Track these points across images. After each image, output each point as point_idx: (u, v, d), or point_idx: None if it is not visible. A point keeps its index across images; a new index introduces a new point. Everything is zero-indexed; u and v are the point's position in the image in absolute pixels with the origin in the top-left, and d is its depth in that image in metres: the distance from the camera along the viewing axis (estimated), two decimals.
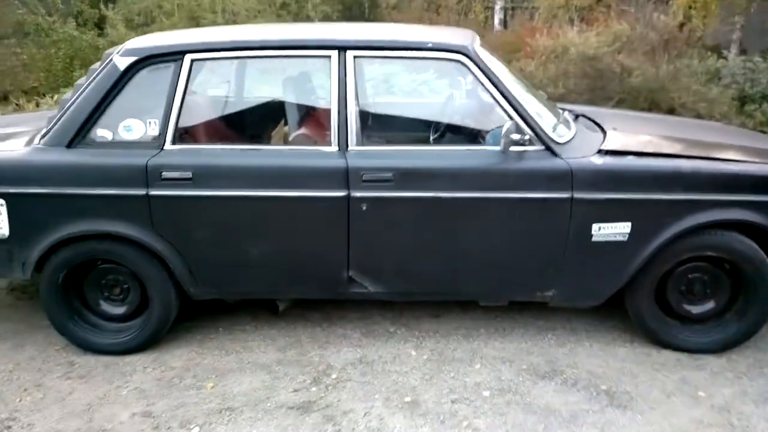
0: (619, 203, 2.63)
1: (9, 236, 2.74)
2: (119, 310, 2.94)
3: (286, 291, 2.94)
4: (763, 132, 6.33)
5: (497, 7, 13.34)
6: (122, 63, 2.68)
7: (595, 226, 2.65)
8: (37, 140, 2.76)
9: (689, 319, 2.87)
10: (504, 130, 2.50)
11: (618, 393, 2.60)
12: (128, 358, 2.90)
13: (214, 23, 11.75)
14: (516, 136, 2.54)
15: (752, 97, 7.14)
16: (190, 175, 2.64)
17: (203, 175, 2.64)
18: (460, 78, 2.74)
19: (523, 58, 8.30)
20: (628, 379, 2.69)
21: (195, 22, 12.65)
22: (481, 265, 2.78)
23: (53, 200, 2.69)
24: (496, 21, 13.35)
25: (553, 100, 7.43)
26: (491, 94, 2.64)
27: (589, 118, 3.22)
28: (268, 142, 2.80)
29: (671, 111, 6.68)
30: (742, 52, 9.46)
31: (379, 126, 2.75)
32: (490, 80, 2.64)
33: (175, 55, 2.68)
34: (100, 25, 14.29)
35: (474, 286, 2.87)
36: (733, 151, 2.88)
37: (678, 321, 2.87)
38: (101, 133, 2.72)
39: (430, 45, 2.67)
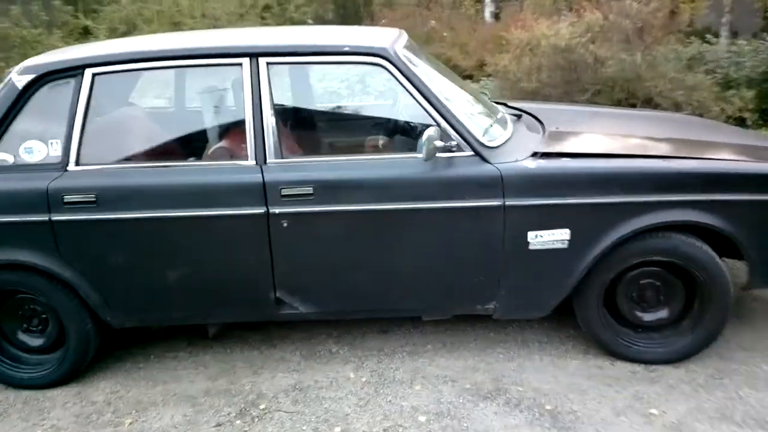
0: (556, 209, 2.44)
1: None
2: (38, 341, 2.76)
3: (212, 315, 2.76)
4: (742, 119, 6.14)
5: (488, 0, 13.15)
6: (20, 81, 2.51)
7: (531, 234, 2.47)
8: None
9: (643, 327, 2.68)
10: (425, 136, 2.31)
11: (563, 413, 2.41)
12: (50, 393, 2.73)
13: (192, 29, 11.61)
14: (439, 143, 2.35)
15: (737, 82, 6.91)
16: (94, 198, 2.46)
17: (108, 198, 2.47)
18: (381, 82, 2.55)
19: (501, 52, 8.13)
20: (576, 397, 2.50)
21: (177, 27, 12.52)
22: (415, 279, 2.60)
23: None
24: (487, 14, 13.17)
25: (528, 94, 7.29)
26: (414, 97, 2.46)
27: (535, 117, 3.03)
28: (184, 158, 2.62)
29: (648, 101, 6.46)
30: (734, 35, 9.22)
31: (299, 136, 2.57)
32: (413, 83, 2.45)
33: (74, 69, 2.51)
34: (84, 35, 14.19)
35: (411, 302, 2.68)
36: (683, 147, 2.70)
37: (631, 330, 2.69)
38: (1, 156, 2.54)
39: (346, 48, 2.49)
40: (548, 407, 2.45)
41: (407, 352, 2.88)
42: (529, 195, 2.43)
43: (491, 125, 2.62)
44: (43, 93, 2.53)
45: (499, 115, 2.80)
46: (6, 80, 2.56)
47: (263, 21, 14.18)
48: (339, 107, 2.86)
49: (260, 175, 2.44)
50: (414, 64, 2.51)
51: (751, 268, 2.55)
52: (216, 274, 2.59)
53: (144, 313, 2.69)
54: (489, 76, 8.38)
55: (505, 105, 3.30)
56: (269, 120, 2.46)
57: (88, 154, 2.53)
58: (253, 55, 2.47)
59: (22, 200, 2.48)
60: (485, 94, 3.51)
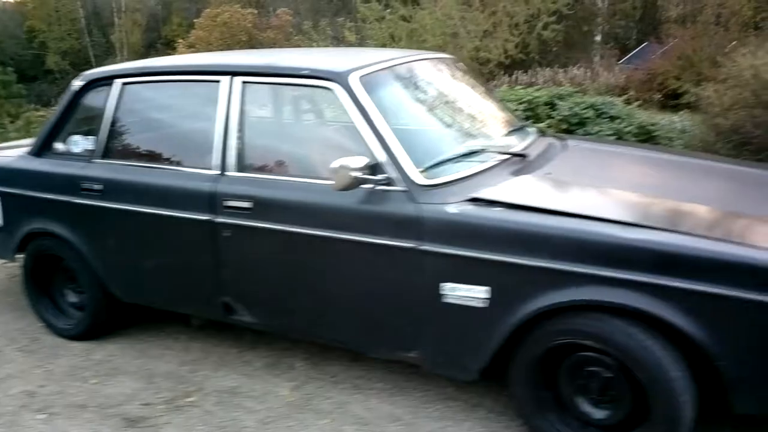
0: (475, 262, 2.17)
1: (3, 225, 3.33)
2: (74, 299, 3.34)
3: (182, 307, 3.04)
4: None
5: None
6: (75, 86, 3.09)
7: (447, 285, 2.23)
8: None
9: (595, 426, 2.22)
10: (335, 165, 2.23)
11: None
12: (72, 344, 3.26)
13: (434, 45, 12.35)
14: (357, 173, 2.25)
15: None
16: (102, 188, 2.91)
17: (113, 189, 2.89)
18: (335, 107, 2.51)
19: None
20: None
21: (421, 44, 13.38)
22: (339, 310, 2.54)
23: (24, 200, 3.19)
24: None
25: (724, 133, 6.19)
26: (357, 126, 2.40)
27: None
28: (172, 162, 2.90)
29: None
30: None
31: (258, 152, 2.67)
32: (360, 111, 2.39)
33: (108, 79, 3.00)
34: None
35: (338, 333, 2.62)
36: (675, 217, 2.16)
37: (579, 426, 2.25)
38: (57, 145, 3.14)
39: (305, 72, 2.53)
40: None
41: (354, 386, 2.79)
42: (446, 242, 2.21)
43: (448, 161, 2.42)
44: (89, 96, 3.07)
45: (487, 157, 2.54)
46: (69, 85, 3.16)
47: (508, 39, 14.33)
48: (300, 128, 2.90)
49: (214, 185, 2.63)
50: (370, 92, 2.43)
51: (727, 385, 1.94)
52: (178, 270, 2.86)
53: (131, 293, 3.07)
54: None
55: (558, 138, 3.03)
56: (234, 133, 2.63)
57: (113, 150, 2.99)
58: (230, 73, 2.67)
59: (59, 183, 3.04)
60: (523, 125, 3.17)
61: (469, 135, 2.75)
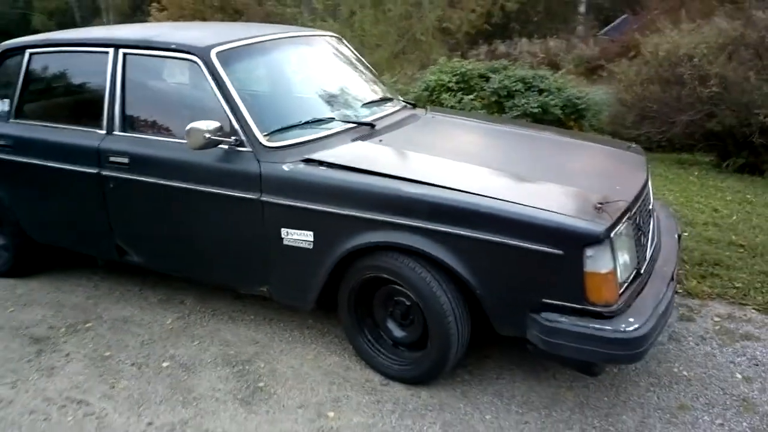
0: (302, 211, 2.64)
1: None
2: (2, 241, 3.81)
3: (85, 249, 3.52)
4: None
5: None
6: None
7: (284, 231, 2.71)
8: None
9: (398, 343, 2.74)
10: (188, 127, 2.63)
11: (266, 390, 2.66)
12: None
13: None
14: (208, 135, 2.67)
15: None
16: (13, 144, 3.36)
17: (22, 145, 3.34)
18: (198, 78, 2.93)
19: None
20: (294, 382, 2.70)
21: None
22: (206, 253, 3.02)
23: None
24: None
25: (628, 108, 6.59)
26: (215, 94, 2.82)
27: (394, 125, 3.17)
28: (71, 122, 3.32)
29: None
30: None
31: (138, 115, 3.10)
32: (218, 84, 2.82)
33: (20, 50, 3.43)
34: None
35: (207, 273, 3.11)
36: (459, 176, 2.62)
37: (387, 343, 2.77)
38: None
39: (173, 46, 2.96)
40: (260, 384, 2.71)
41: (230, 317, 3.29)
42: (281, 195, 2.67)
43: (295, 127, 2.86)
44: (6, 64, 3.49)
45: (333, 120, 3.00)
46: None
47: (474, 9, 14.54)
48: (170, 95, 3.32)
49: (100, 143, 3.08)
50: (226, 66, 2.86)
51: (487, 311, 2.45)
52: (77, 217, 3.32)
53: (47, 236, 3.55)
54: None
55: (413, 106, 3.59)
56: (118, 99, 3.08)
57: (23, 111, 3.43)
58: (115, 46, 3.11)
59: None
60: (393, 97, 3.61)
61: (323, 105, 3.19)
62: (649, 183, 3.01)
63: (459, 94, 7.41)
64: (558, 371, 2.76)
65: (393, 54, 13.05)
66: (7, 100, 3.48)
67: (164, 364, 2.87)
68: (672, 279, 2.66)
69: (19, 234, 3.61)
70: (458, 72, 7.63)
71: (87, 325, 3.25)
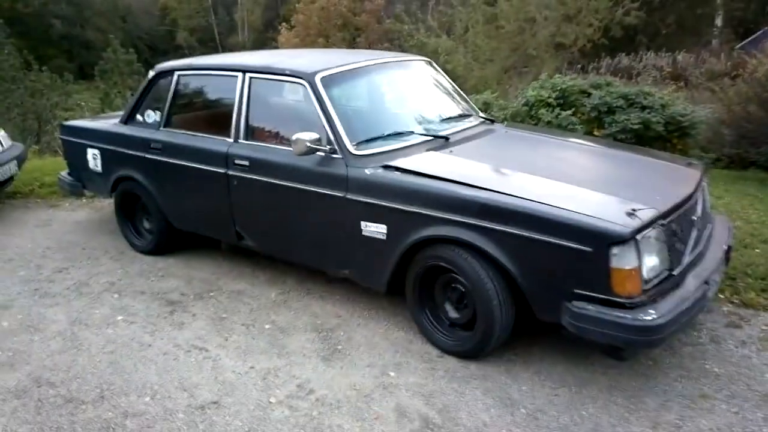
0: (378, 208, 3.22)
1: (102, 172, 4.77)
2: (149, 225, 4.73)
3: (213, 233, 4.31)
4: None
5: None
6: (150, 75, 4.42)
7: (363, 223, 3.30)
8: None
9: (453, 322, 3.24)
10: (293, 137, 3.31)
11: (341, 345, 3.25)
12: (142, 257, 4.67)
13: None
14: (310, 144, 3.32)
15: None
16: (161, 147, 4.23)
17: (169, 148, 4.20)
18: (305, 97, 3.59)
19: None
20: (366, 348, 3.27)
21: None
22: (303, 240, 3.67)
23: (115, 155, 4.60)
24: None
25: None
26: (317, 111, 3.49)
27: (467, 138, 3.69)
28: (207, 131, 4.10)
29: None
30: None
31: (257, 127, 3.80)
32: (319, 103, 3.48)
33: (171, 71, 4.29)
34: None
35: (306, 256, 3.77)
36: (512, 183, 3.06)
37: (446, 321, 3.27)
38: (138, 117, 4.50)
39: (287, 71, 3.66)
40: (339, 347, 3.30)
41: (320, 296, 3.92)
42: (362, 194, 3.27)
43: (380, 138, 3.45)
44: (158, 83, 4.39)
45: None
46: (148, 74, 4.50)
47: (591, 23, 14.56)
48: (283, 111, 3.97)
49: (228, 148, 3.84)
50: (328, 88, 3.51)
51: (528, 298, 2.89)
52: (207, 208, 4.12)
53: (184, 223, 4.39)
54: None
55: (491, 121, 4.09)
56: (243, 113, 3.83)
57: (170, 122, 4.30)
58: (243, 70, 3.86)
59: (137, 143, 4.40)
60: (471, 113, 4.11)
61: (406, 120, 3.76)
62: (701, 196, 3.29)
63: (557, 110, 7.68)
64: (597, 359, 3.12)
65: (504, 69, 13.40)
66: (158, 112, 4.37)
67: (266, 326, 3.56)
68: (706, 283, 2.95)
69: (161, 220, 4.49)
70: (558, 88, 7.89)
71: (210, 294, 4.02)
